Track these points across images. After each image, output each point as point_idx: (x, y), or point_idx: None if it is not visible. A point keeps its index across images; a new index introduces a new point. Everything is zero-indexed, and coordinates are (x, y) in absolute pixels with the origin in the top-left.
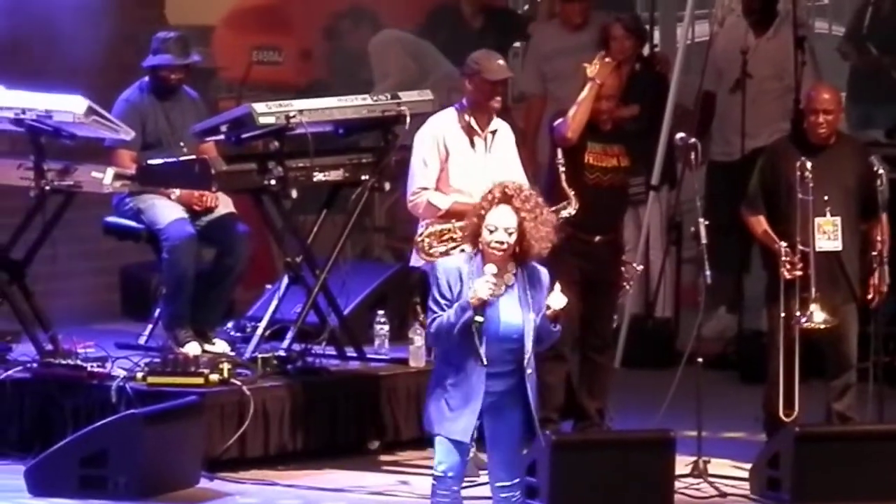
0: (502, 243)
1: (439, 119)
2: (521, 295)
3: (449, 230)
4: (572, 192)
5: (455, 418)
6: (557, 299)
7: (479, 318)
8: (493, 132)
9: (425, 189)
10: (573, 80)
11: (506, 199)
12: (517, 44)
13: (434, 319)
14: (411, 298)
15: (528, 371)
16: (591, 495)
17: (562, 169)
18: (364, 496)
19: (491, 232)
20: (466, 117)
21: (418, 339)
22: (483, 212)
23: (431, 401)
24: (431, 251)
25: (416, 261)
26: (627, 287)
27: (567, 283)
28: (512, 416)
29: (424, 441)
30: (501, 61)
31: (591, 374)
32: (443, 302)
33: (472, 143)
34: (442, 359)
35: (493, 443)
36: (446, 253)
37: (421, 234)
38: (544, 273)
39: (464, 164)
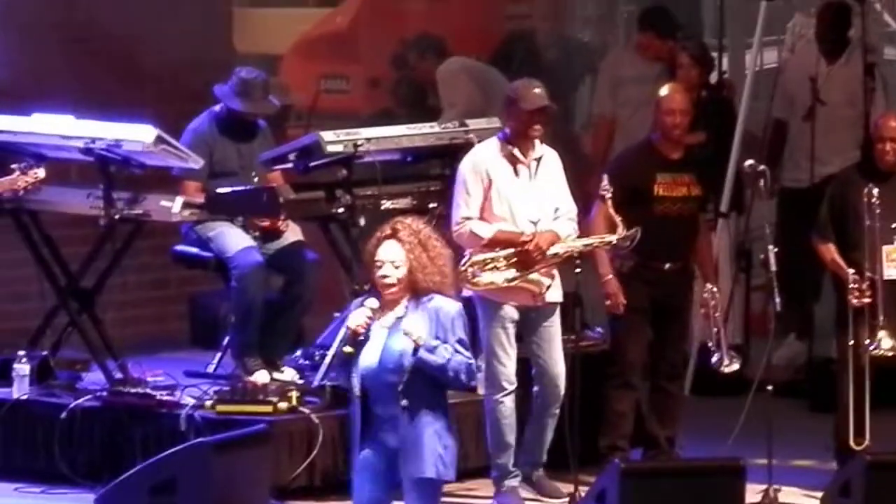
0: (386, 276)
1: (482, 149)
2: (406, 329)
3: (493, 259)
4: (619, 219)
5: (355, 452)
6: (408, 324)
7: (346, 349)
8: (538, 159)
9: (468, 219)
10: (643, 108)
11: (393, 234)
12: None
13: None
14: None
15: (403, 402)
16: None
17: (608, 196)
18: None
19: (378, 267)
20: (509, 146)
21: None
22: (372, 250)
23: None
24: (475, 280)
25: (466, 291)
26: (713, 313)
27: (637, 310)
28: (406, 457)
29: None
30: (538, 90)
31: (661, 401)
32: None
33: (516, 172)
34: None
35: (403, 491)
36: (491, 283)
37: (464, 264)
38: (449, 306)
39: (507, 193)
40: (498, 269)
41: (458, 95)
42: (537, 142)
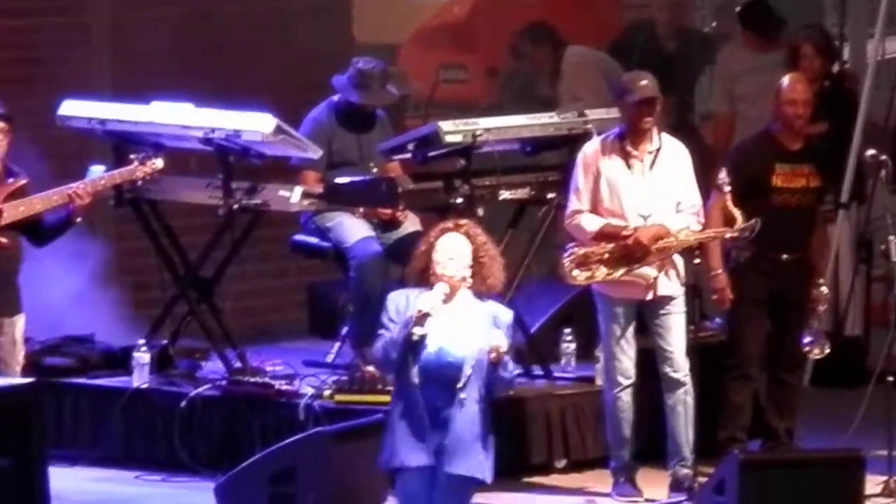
0: (450, 268)
1: (596, 142)
2: (470, 325)
3: (594, 253)
4: (738, 212)
5: (401, 445)
6: (497, 338)
7: (416, 331)
8: (656, 151)
9: (579, 212)
10: (762, 100)
11: (457, 228)
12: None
13: (380, 340)
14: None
15: (462, 395)
16: None
17: (727, 189)
18: None
19: (445, 259)
20: (622, 140)
21: None
22: (433, 241)
23: (384, 436)
24: (574, 275)
25: (574, 282)
26: (819, 310)
27: (755, 301)
28: (453, 453)
29: (610, 461)
30: (645, 81)
31: (779, 393)
32: (390, 325)
33: (629, 165)
34: (393, 394)
35: (438, 487)
36: (591, 277)
37: (565, 258)
38: (505, 314)
39: (617, 187)
40: (599, 263)
41: (586, 89)
42: (655, 134)
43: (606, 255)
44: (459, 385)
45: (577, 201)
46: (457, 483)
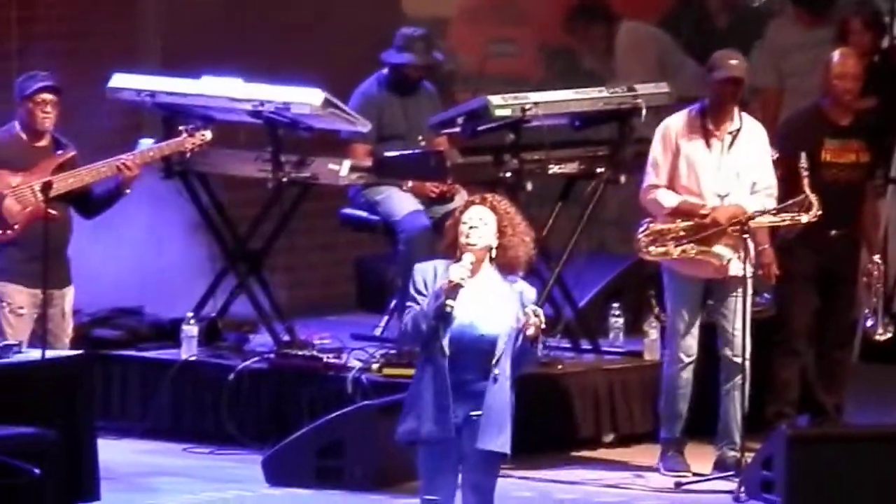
0: (476, 228)
1: (676, 118)
2: (500, 301)
3: (670, 230)
4: (815, 197)
5: (426, 418)
6: (538, 312)
7: (450, 302)
8: (735, 132)
9: (656, 187)
10: (811, 76)
11: (483, 201)
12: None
13: (408, 312)
14: (646, 291)
15: (496, 371)
16: (827, 490)
17: (805, 173)
18: (598, 489)
19: (468, 229)
20: (703, 117)
21: (653, 332)
22: (460, 215)
23: (406, 408)
24: (647, 249)
25: (648, 257)
26: (874, 285)
27: (803, 277)
28: (485, 429)
29: (658, 435)
30: (735, 61)
31: (828, 368)
32: (419, 298)
33: (708, 144)
34: (418, 366)
35: (465, 462)
36: (666, 253)
37: (641, 232)
38: (530, 291)
39: (696, 165)
40: (675, 240)
41: (640, 65)
42: (737, 114)
43: (682, 233)
44: (494, 361)
45: (655, 176)
46: (489, 459)
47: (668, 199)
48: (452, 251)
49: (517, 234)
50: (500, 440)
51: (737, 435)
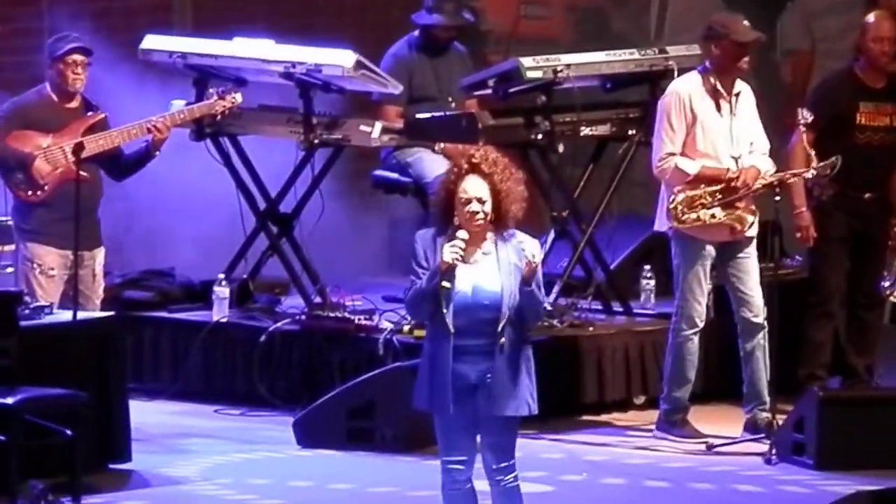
0: (476, 213)
1: (684, 83)
2: (499, 263)
3: (699, 196)
4: (813, 152)
5: (431, 392)
6: (531, 248)
7: (445, 284)
8: (738, 94)
9: (672, 155)
10: (841, 39)
11: (473, 168)
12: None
13: (410, 287)
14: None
15: (502, 340)
16: (858, 451)
17: (803, 129)
18: (629, 451)
19: (464, 203)
20: (712, 80)
21: None
22: (452, 186)
23: (420, 377)
24: (684, 218)
25: (660, 225)
26: None
27: (837, 239)
28: (498, 395)
29: (693, 397)
30: (747, 22)
31: (859, 331)
32: (420, 271)
33: (718, 107)
34: (426, 335)
35: (482, 424)
36: (697, 220)
37: (673, 202)
38: (531, 243)
39: (710, 129)
40: (705, 206)
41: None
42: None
43: (708, 198)
44: (499, 328)
45: (671, 143)
46: (505, 423)
47: (690, 167)
48: (447, 221)
49: (510, 195)
50: (513, 404)
51: (765, 394)
